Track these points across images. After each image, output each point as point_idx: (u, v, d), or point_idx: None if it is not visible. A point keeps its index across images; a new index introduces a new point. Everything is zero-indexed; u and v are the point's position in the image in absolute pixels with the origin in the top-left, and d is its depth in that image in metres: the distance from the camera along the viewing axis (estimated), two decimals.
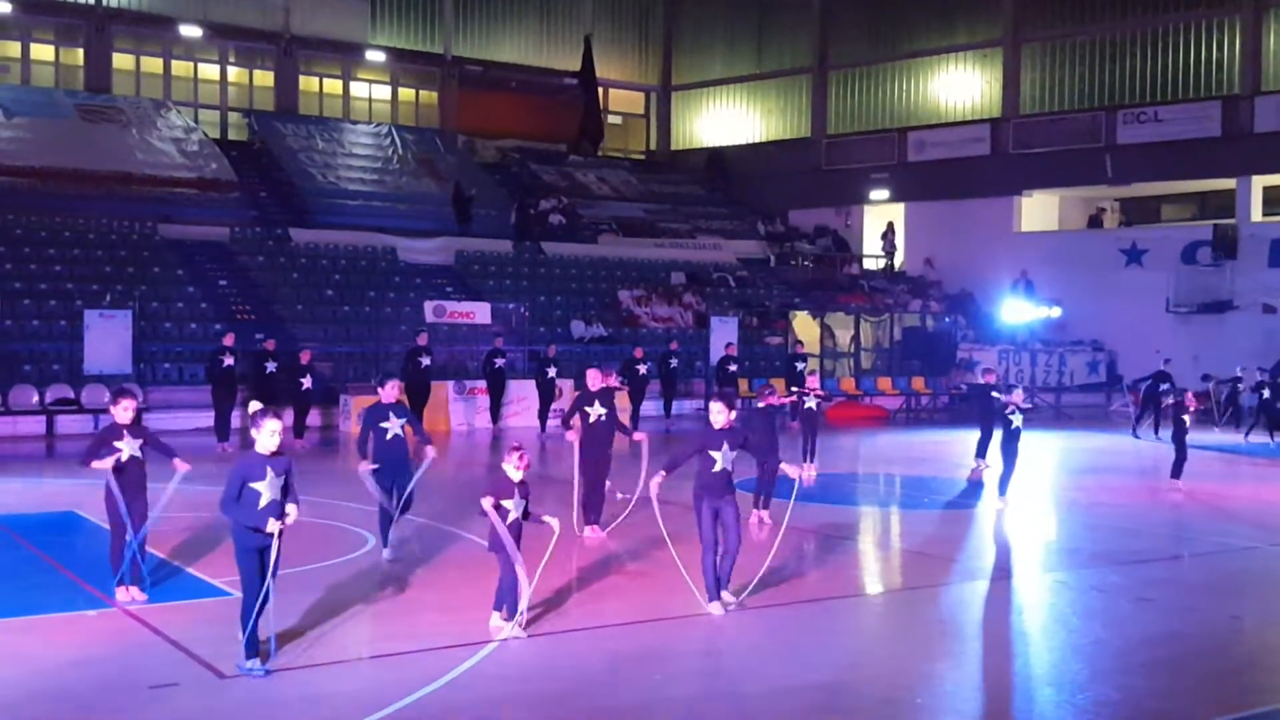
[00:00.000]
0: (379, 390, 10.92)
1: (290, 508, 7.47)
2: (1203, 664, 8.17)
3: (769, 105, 40.57)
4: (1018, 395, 14.60)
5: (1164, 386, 23.82)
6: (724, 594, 9.07)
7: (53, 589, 9.47)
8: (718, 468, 8.97)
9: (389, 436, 10.52)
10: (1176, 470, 16.06)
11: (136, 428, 9.12)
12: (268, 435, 7.41)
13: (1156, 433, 23.21)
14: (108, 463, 8.86)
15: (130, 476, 8.97)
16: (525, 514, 8.34)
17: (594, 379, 12.17)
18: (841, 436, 23.12)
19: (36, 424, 20.73)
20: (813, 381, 16.79)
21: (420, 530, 11.68)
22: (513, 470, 8.26)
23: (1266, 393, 22.75)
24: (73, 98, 31.64)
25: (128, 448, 8.94)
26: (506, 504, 8.23)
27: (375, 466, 10.40)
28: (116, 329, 21.87)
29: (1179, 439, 16.01)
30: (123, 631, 8.29)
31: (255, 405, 7.86)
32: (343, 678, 7.41)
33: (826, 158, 38.03)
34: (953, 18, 36.35)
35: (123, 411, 9.00)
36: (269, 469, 7.37)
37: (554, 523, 8.36)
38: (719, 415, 9.11)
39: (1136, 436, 23.20)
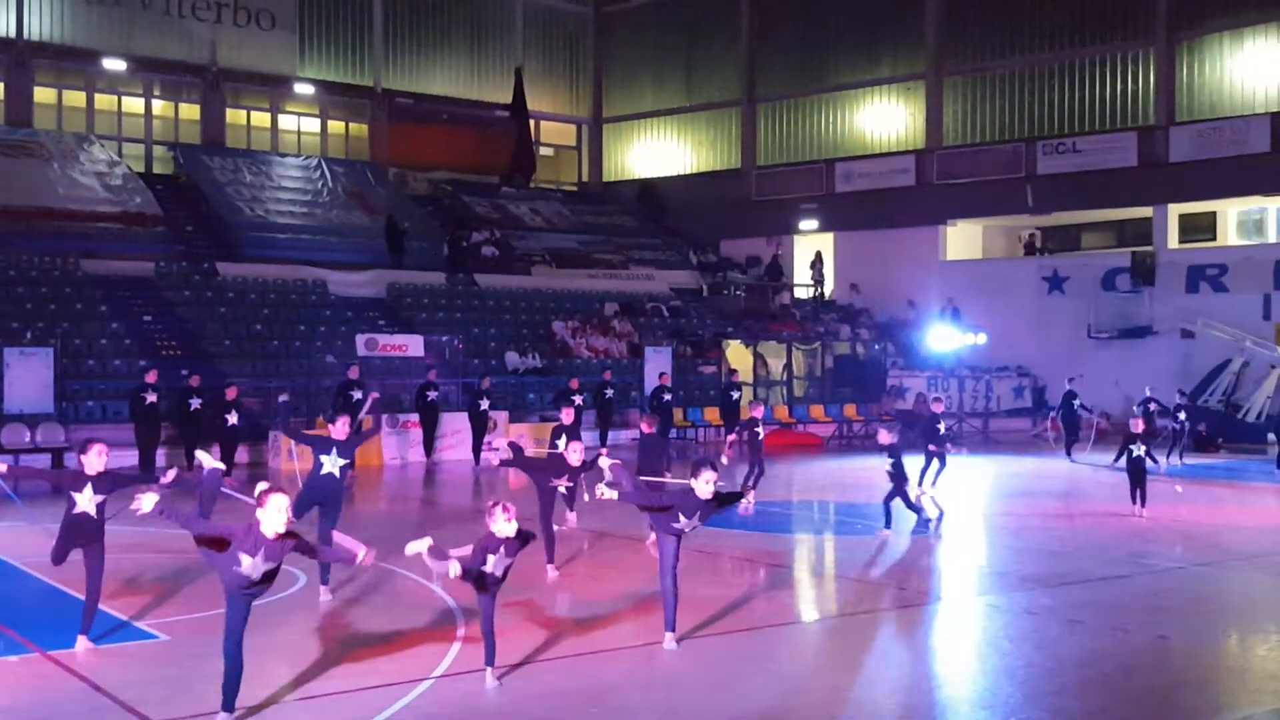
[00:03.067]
0: (329, 427, 10.72)
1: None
2: (1133, 684, 8.31)
3: (699, 137, 40.95)
4: (941, 425, 14.92)
5: (1077, 404, 24.24)
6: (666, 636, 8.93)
7: None
8: (678, 526, 8.70)
9: (323, 472, 10.42)
10: (1133, 496, 15.75)
11: (104, 479, 8.34)
12: (274, 513, 6.78)
13: (1070, 454, 23.56)
14: None
15: (81, 530, 8.35)
16: (523, 537, 7.86)
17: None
18: (776, 464, 23.20)
19: None
20: (758, 410, 16.97)
21: (354, 567, 11.50)
22: (503, 526, 7.67)
23: (1184, 415, 23.02)
24: None
25: (84, 502, 8.27)
26: (490, 559, 7.74)
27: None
28: (37, 367, 21.37)
29: (1131, 466, 15.72)
30: (45, 677, 8.06)
31: (263, 485, 7.17)
32: None
33: (757, 188, 38.44)
34: (877, 51, 37.04)
35: (95, 458, 8.24)
36: (263, 552, 6.83)
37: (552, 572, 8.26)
38: (706, 486, 8.48)
39: (1071, 460, 23.48)
